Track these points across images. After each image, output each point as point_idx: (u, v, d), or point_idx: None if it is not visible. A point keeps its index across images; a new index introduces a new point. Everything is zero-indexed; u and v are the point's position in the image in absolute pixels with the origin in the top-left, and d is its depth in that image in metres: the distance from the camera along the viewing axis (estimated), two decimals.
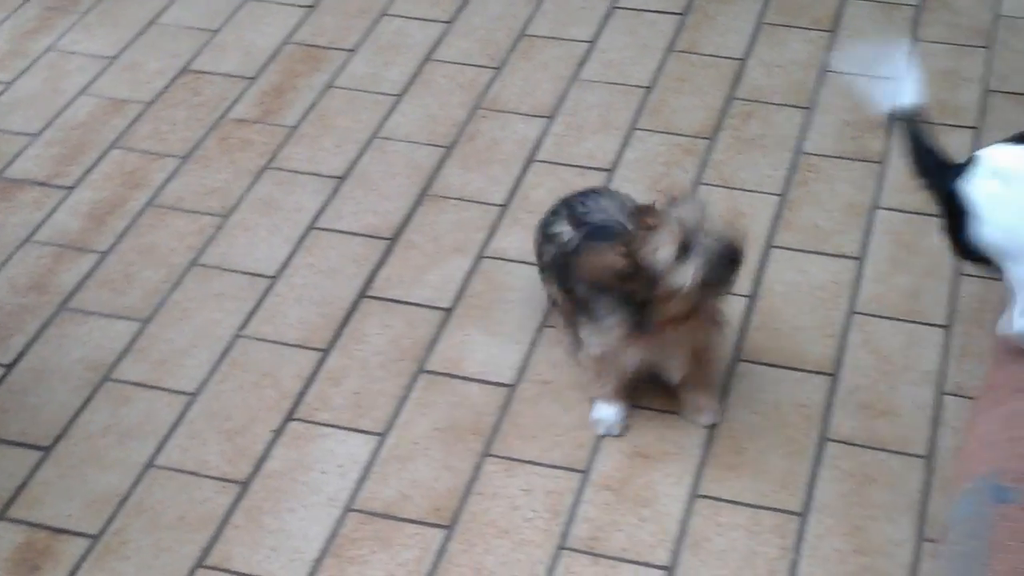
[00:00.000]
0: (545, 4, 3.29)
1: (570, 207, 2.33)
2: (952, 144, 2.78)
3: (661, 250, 2.04)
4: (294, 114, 2.98)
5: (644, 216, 2.09)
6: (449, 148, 2.88)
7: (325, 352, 2.43)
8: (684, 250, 2.04)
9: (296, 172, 2.83)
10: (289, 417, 2.32)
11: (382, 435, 2.28)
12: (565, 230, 2.29)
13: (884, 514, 2.13)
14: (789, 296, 2.50)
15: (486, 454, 2.25)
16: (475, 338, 2.45)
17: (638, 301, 2.10)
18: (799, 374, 2.36)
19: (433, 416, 2.31)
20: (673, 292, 2.06)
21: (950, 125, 2.82)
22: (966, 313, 2.45)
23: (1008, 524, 1.39)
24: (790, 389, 2.34)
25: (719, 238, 2.06)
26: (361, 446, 2.26)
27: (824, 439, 2.25)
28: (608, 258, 2.07)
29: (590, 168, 2.81)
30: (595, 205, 2.30)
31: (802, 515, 2.13)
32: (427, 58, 3.14)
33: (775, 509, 2.15)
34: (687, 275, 2.04)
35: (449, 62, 3.12)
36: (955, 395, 2.30)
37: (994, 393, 1.57)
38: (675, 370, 2.23)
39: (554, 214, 2.36)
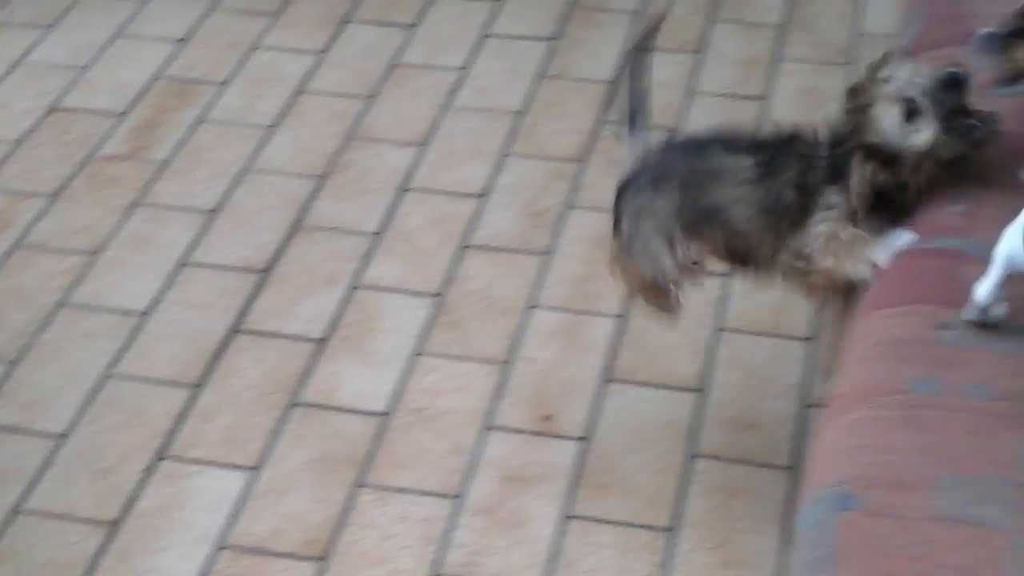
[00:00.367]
0: (417, 33, 3.32)
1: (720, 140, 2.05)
2: None
3: (881, 117, 1.82)
4: (165, 149, 2.97)
5: (856, 96, 1.87)
6: (322, 179, 2.88)
7: (197, 388, 2.42)
8: (909, 110, 1.80)
9: (168, 207, 2.82)
10: (161, 455, 2.31)
11: (255, 469, 2.28)
12: (738, 161, 1.97)
13: (751, 526, 2.17)
14: None
15: (360, 484, 2.25)
16: (349, 368, 2.46)
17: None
18: (668, 392, 2.40)
19: (307, 448, 2.31)
20: (919, 159, 1.81)
21: None
22: (826, 326, 2.51)
23: (852, 531, 1.43)
24: (659, 407, 2.37)
25: (936, 75, 1.81)
26: (234, 482, 2.26)
27: (692, 455, 2.29)
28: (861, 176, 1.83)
29: (463, 194, 2.83)
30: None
31: (672, 531, 2.17)
32: (300, 90, 3.15)
33: (646, 526, 2.18)
34: (924, 132, 1.80)
35: (322, 93, 3.14)
36: (818, 407, 2.35)
37: (840, 402, 1.61)
38: None
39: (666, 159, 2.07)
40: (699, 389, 2.40)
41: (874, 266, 1.82)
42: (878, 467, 1.47)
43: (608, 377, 2.42)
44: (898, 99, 1.81)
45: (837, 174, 1.88)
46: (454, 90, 3.13)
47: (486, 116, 3.05)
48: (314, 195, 2.84)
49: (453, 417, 2.36)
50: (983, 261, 1.70)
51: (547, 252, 2.68)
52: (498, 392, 2.41)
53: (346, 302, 2.59)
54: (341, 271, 2.66)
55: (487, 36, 3.30)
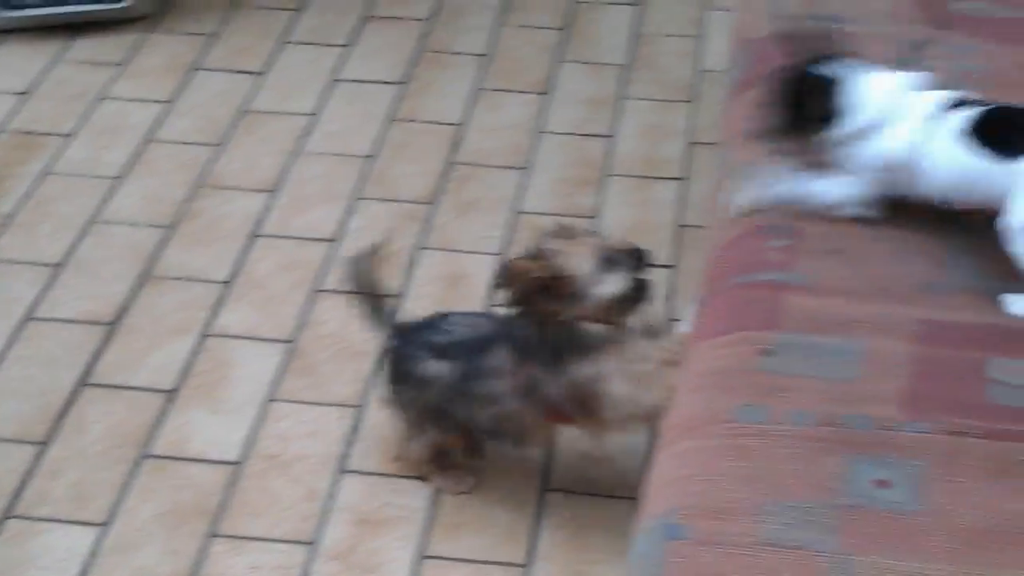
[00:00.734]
0: (267, 80, 3.32)
1: (420, 341, 2.21)
2: (658, 196, 2.93)
3: (581, 261, 2.01)
4: (9, 203, 2.93)
5: (559, 235, 2.06)
6: (171, 228, 2.87)
7: (43, 445, 2.38)
8: (605, 262, 2.01)
9: (11, 262, 2.77)
10: (6, 515, 2.26)
11: (104, 525, 2.25)
12: (432, 365, 2.17)
13: (604, 557, 2.20)
14: None
15: (212, 535, 2.23)
16: (200, 418, 2.44)
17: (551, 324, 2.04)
18: None
19: (157, 501, 2.29)
20: (595, 305, 2.01)
21: (656, 178, 2.96)
22: None
23: (679, 560, 1.47)
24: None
25: (629, 250, 2.04)
26: (82, 538, 2.22)
27: (545, 489, 2.32)
28: (532, 268, 2.01)
29: (314, 239, 2.84)
30: (447, 325, 2.22)
31: (526, 566, 2.19)
32: (148, 139, 3.13)
33: (501, 563, 2.19)
34: (609, 285, 2.01)
35: (170, 141, 3.12)
36: None
37: (669, 433, 1.66)
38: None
39: (402, 359, 2.22)
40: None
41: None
42: (704, 496, 1.51)
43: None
44: (596, 254, 2.01)
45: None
46: (304, 135, 3.13)
47: (337, 160, 3.06)
48: (163, 244, 2.82)
49: (307, 462, 2.36)
50: (805, 290, 1.77)
51: (399, 294, 2.70)
52: (352, 436, 2.41)
53: (196, 351, 2.57)
54: (191, 320, 2.64)
55: (337, 81, 3.32)
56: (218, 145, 3.11)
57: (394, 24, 3.53)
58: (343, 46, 3.44)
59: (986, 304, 1.74)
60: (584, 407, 2.06)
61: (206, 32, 3.51)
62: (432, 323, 2.23)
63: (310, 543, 2.22)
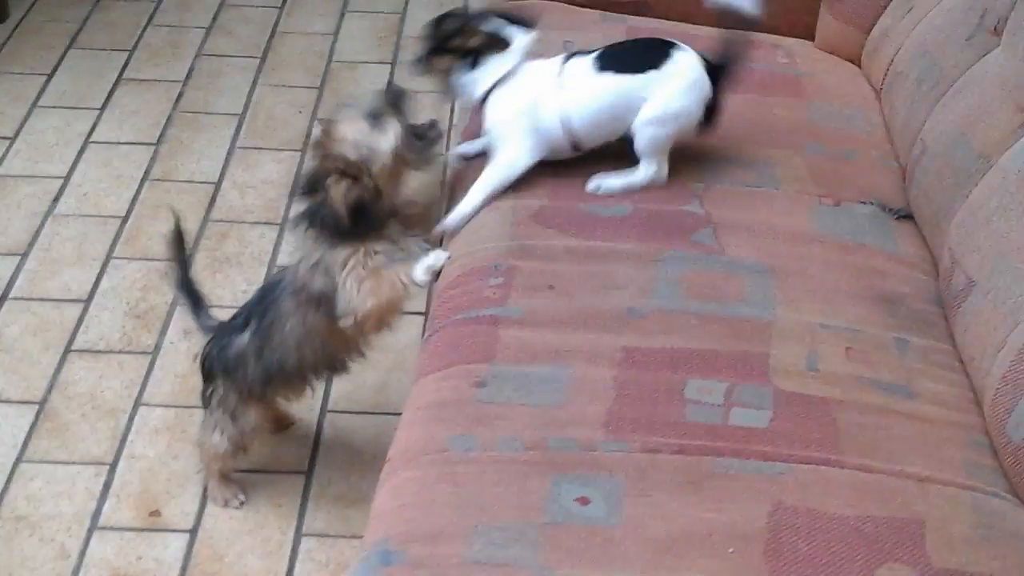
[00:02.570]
0: (17, 143, 3.31)
1: (222, 333, 2.29)
2: None
3: (351, 133, 2.06)
4: None
5: (324, 136, 2.09)
6: None
7: None
8: (371, 119, 2.07)
9: None
10: None
11: None
12: (236, 339, 2.25)
13: None
14: None
15: None
16: None
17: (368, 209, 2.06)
18: (276, 475, 2.47)
19: None
20: (389, 161, 2.06)
21: None
22: None
23: None
24: (268, 491, 2.44)
25: (389, 97, 2.12)
26: None
27: (300, 534, 2.37)
28: (338, 187, 2.04)
29: (66, 300, 2.84)
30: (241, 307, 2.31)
31: None
32: None
33: None
34: (389, 134, 2.07)
35: None
36: None
37: (389, 467, 1.73)
38: None
39: (210, 357, 2.31)
40: (305, 471, 2.48)
41: (416, 284, 2.06)
42: (417, 523, 1.59)
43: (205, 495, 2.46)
44: (362, 114, 2.08)
45: (331, 235, 2.09)
46: (56, 198, 3.13)
47: (89, 222, 3.07)
48: None
49: (58, 521, 2.36)
50: (519, 323, 1.88)
51: (153, 351, 2.72)
52: (105, 492, 2.42)
53: None
54: None
55: (90, 143, 3.33)
56: None
57: (149, 86, 3.56)
58: (97, 108, 3.46)
59: (683, 327, 1.88)
60: (331, 304, 2.11)
61: None
62: (235, 315, 2.31)
63: None
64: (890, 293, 2.03)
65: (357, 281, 2.07)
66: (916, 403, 1.83)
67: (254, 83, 3.59)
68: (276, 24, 3.89)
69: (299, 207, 2.13)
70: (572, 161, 2.22)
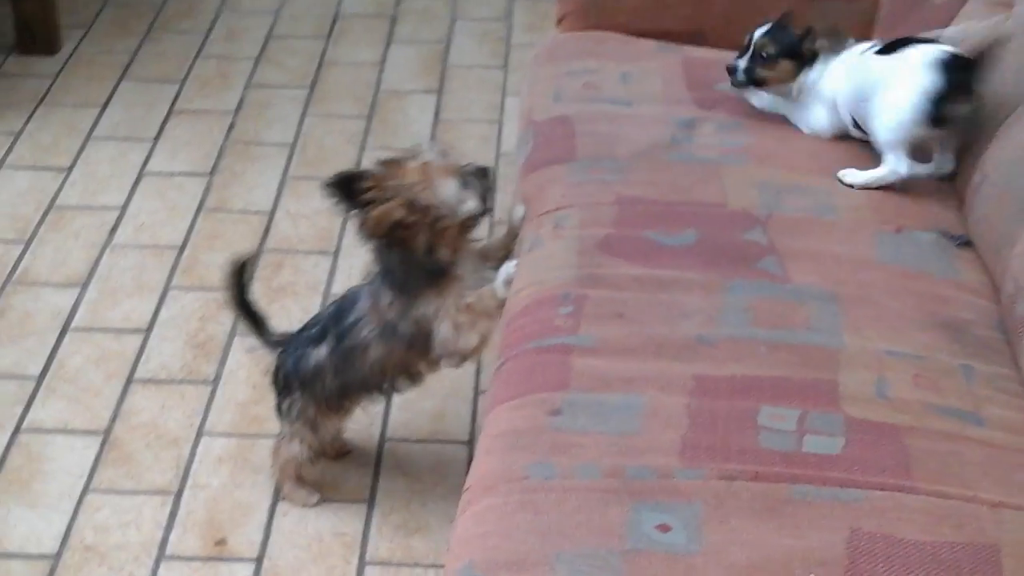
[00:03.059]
0: (73, 175, 3.36)
1: (297, 343, 2.37)
2: None
3: (442, 185, 2.14)
4: None
5: (396, 166, 2.17)
6: None
7: None
8: (462, 181, 2.16)
9: None
10: None
11: None
12: (311, 355, 2.33)
13: None
14: None
15: None
16: (15, 513, 2.45)
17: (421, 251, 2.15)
18: (338, 504, 2.50)
19: None
20: (461, 222, 2.16)
21: None
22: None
23: None
24: (330, 520, 2.46)
25: (476, 168, 2.20)
26: None
27: (365, 563, 2.39)
28: (389, 210, 2.12)
29: (127, 330, 2.88)
30: (316, 318, 2.40)
31: None
32: None
33: None
34: (471, 203, 2.15)
35: None
36: None
37: (468, 495, 1.75)
38: None
39: (285, 367, 2.38)
40: (367, 500, 2.51)
41: (502, 304, 2.14)
42: (500, 550, 1.61)
43: (277, 497, 2.50)
44: (455, 174, 2.16)
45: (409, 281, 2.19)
46: (113, 229, 3.18)
47: (146, 252, 3.11)
48: None
49: (126, 551, 2.39)
50: (591, 352, 1.90)
51: (213, 380, 2.76)
52: (171, 522, 2.45)
53: (10, 447, 2.58)
54: (4, 416, 2.65)
55: (144, 174, 3.37)
56: (26, 242, 3.13)
57: (200, 116, 3.61)
58: (150, 139, 3.51)
59: (752, 355, 1.90)
60: (425, 343, 2.22)
61: (12, 130, 3.53)
62: (306, 325, 2.40)
63: None
64: (954, 320, 2.05)
65: (452, 326, 2.18)
66: (985, 429, 1.84)
67: (304, 113, 3.64)
68: (323, 55, 3.94)
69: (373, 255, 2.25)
70: (639, 188, 2.26)
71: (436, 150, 2.21)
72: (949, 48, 2.27)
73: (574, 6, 2.86)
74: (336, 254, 3.11)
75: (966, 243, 2.23)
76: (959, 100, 2.25)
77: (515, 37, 4.03)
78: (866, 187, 2.30)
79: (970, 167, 2.30)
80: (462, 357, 2.26)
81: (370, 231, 2.17)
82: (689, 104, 2.52)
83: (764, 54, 2.44)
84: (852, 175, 2.32)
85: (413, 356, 2.28)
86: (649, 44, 2.74)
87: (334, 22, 4.11)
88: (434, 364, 2.31)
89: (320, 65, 3.88)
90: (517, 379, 1.90)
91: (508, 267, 2.18)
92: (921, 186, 2.35)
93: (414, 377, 2.36)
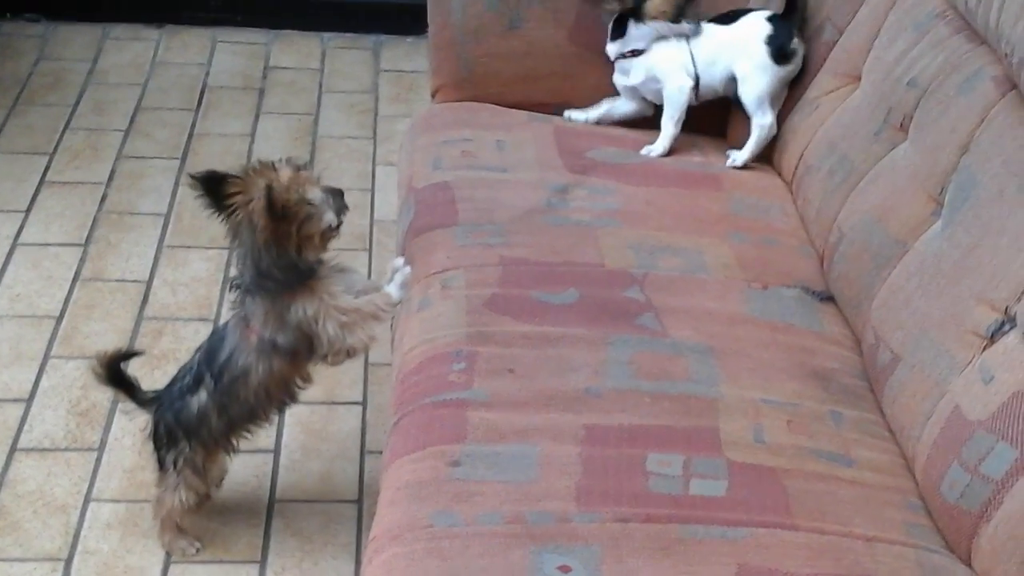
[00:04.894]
0: None
1: (172, 396, 2.43)
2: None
3: (311, 191, 2.22)
4: None
5: (269, 168, 2.23)
6: None
7: None
8: (327, 194, 2.24)
9: None
10: None
11: None
12: (191, 399, 2.38)
13: None
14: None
15: None
16: None
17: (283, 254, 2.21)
18: (228, 565, 2.53)
19: None
20: (322, 231, 2.24)
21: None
22: (373, 486, 2.73)
23: None
24: None
25: (335, 190, 2.28)
26: None
27: None
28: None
29: (7, 400, 2.87)
30: (186, 367, 2.45)
31: None
32: None
33: None
34: (330, 216, 2.23)
35: None
36: None
37: (374, 545, 1.82)
38: None
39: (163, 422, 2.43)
40: (259, 560, 2.54)
41: (395, 304, 2.28)
42: None
43: (171, 559, 2.52)
44: (319, 186, 2.25)
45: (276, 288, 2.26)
46: None
47: (24, 323, 3.10)
48: None
49: None
50: (485, 405, 1.99)
51: (99, 448, 2.76)
52: None
53: None
54: None
55: (18, 245, 3.37)
56: None
57: (72, 188, 3.62)
58: (22, 211, 3.50)
59: (637, 405, 2.01)
60: (309, 347, 2.28)
61: None
62: (175, 379, 2.46)
63: None
64: (821, 369, 2.19)
65: (338, 325, 2.24)
66: (855, 470, 1.98)
67: (176, 183, 3.67)
68: (193, 126, 3.98)
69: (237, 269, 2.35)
70: (521, 249, 2.37)
71: (295, 163, 2.29)
72: (769, 10, 2.77)
73: (449, 78, 2.97)
74: (216, 320, 3.15)
75: (828, 298, 2.39)
76: (792, 39, 2.73)
77: (382, 109, 4.13)
78: (753, 157, 2.73)
79: (827, 228, 2.46)
80: (347, 354, 2.30)
81: (249, 226, 2.23)
82: (562, 170, 2.64)
83: None
84: (736, 156, 2.75)
85: (295, 368, 2.34)
86: (521, 115, 2.87)
87: (202, 94, 4.15)
88: (308, 379, 2.39)
89: (190, 136, 3.92)
90: (415, 433, 1.98)
91: (404, 272, 2.30)
92: (784, 245, 2.50)
93: (293, 395, 2.42)
